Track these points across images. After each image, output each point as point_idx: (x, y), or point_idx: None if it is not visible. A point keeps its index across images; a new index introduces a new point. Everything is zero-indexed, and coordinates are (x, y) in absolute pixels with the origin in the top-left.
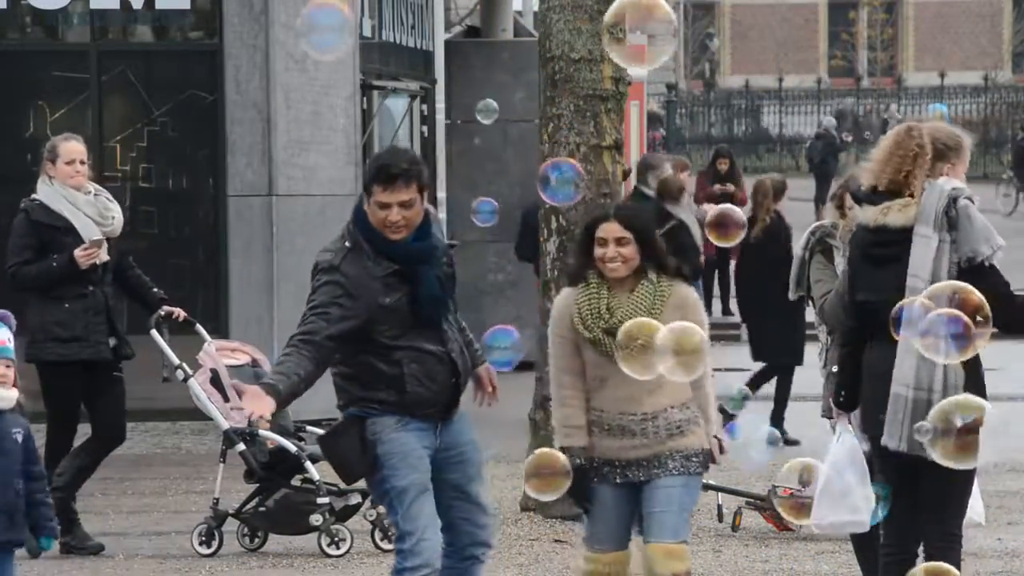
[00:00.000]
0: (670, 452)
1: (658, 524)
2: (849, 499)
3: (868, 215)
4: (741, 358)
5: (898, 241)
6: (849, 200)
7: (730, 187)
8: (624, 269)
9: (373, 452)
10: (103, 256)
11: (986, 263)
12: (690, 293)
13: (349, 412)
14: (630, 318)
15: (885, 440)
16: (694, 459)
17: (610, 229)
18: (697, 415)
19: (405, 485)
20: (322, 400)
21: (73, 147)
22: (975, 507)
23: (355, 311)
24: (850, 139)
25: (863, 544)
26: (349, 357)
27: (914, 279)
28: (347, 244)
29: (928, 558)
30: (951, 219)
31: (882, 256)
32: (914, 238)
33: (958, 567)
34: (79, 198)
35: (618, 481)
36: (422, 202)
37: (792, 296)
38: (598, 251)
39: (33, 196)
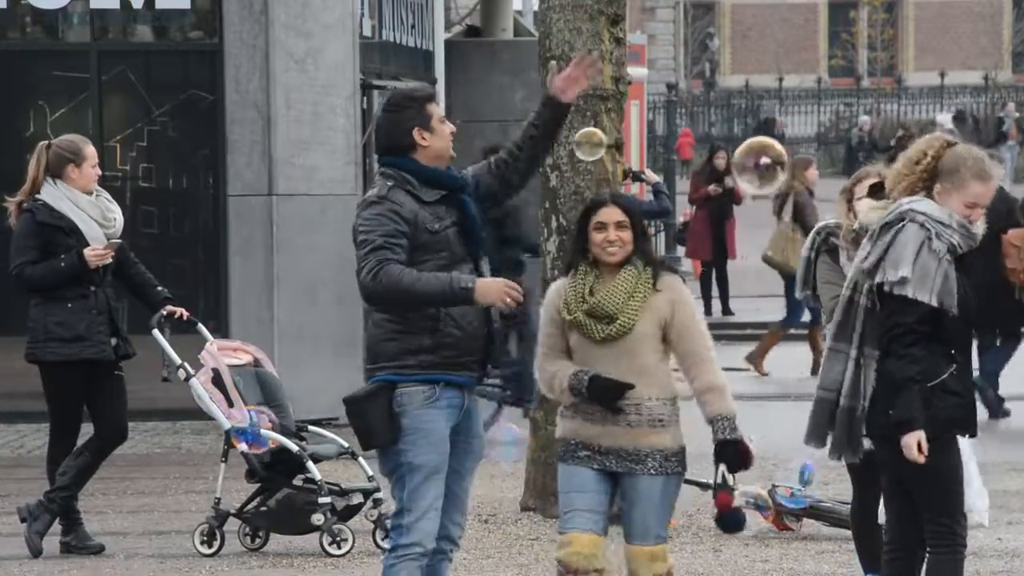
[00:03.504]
0: (650, 450)
1: (641, 527)
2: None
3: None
4: (741, 359)
5: None
6: (857, 193)
7: (727, 184)
8: (622, 253)
9: (397, 423)
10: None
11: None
12: (678, 281)
13: (379, 377)
14: (609, 300)
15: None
16: (673, 459)
17: (610, 214)
18: (678, 412)
19: (420, 463)
20: (323, 400)
21: (93, 150)
22: (979, 508)
23: (410, 238)
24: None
25: (863, 531)
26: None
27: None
28: (388, 183)
29: (927, 555)
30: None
31: None
32: None
33: (958, 566)
34: (82, 199)
35: (595, 467)
36: None
37: (799, 295)
38: (597, 236)
39: (36, 196)
